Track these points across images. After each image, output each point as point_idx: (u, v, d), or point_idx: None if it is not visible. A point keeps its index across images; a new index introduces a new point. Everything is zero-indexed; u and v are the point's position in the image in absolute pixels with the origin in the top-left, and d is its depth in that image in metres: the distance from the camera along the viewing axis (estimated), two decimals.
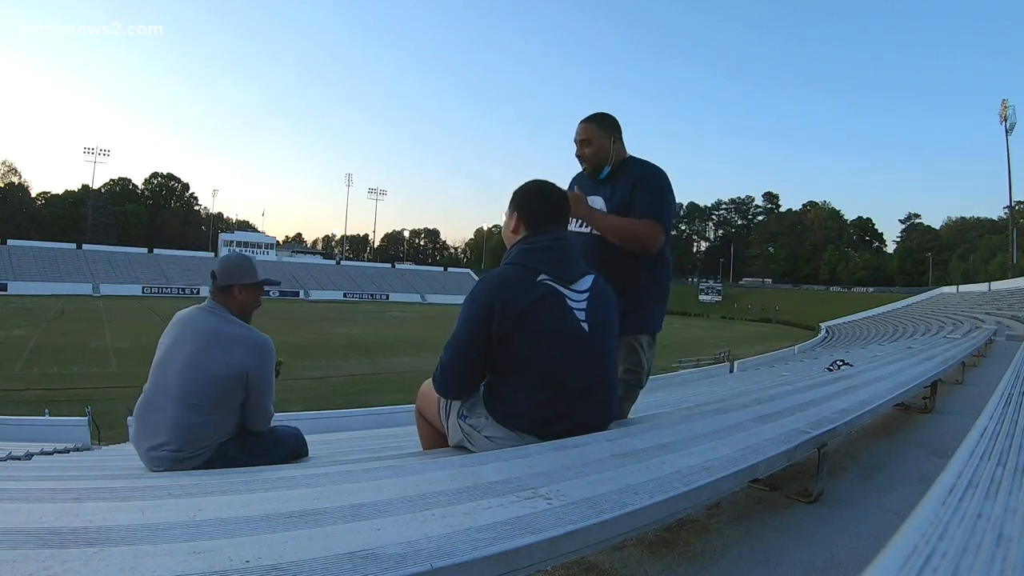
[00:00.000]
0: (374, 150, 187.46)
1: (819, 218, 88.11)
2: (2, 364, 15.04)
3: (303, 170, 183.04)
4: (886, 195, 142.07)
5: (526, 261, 1.48)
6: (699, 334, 34.73)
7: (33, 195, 73.98)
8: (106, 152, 71.05)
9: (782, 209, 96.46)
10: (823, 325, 37.29)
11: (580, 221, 2.04)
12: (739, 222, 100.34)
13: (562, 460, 1.08)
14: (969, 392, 3.61)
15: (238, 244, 65.23)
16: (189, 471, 1.79)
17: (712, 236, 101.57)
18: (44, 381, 13.48)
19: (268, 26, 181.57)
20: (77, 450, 3.96)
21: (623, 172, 2.00)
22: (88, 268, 48.30)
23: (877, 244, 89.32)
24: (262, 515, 0.74)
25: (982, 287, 32.79)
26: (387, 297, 59.43)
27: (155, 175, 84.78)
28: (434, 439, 1.74)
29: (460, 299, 1.65)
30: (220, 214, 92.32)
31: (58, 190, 76.50)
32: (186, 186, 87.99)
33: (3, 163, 70.65)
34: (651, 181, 1.95)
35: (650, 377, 2.11)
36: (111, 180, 79.20)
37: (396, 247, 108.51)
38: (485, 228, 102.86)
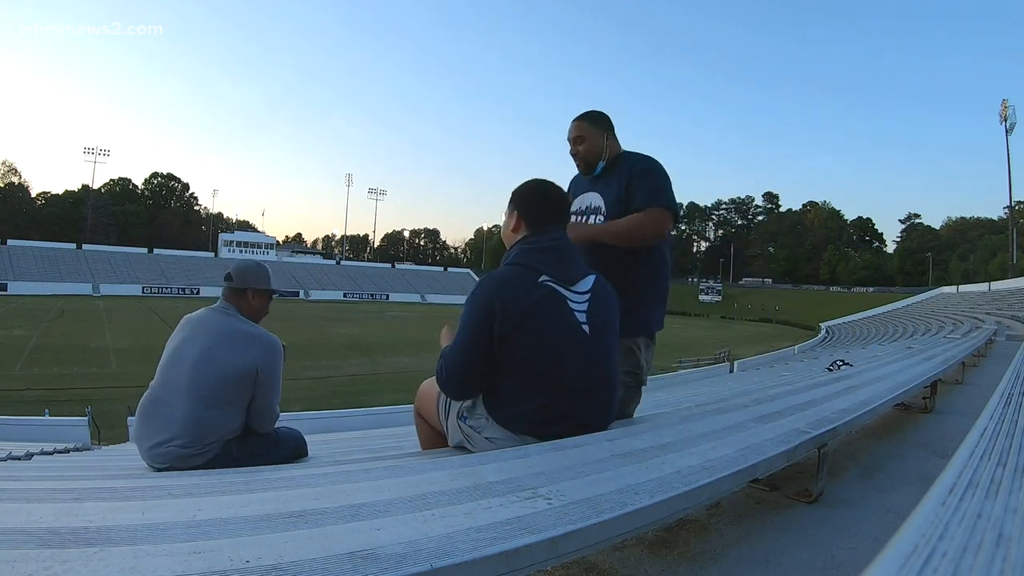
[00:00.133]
0: (374, 150, 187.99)
1: (819, 218, 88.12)
2: (2, 364, 15.04)
3: (303, 170, 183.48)
4: (886, 195, 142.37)
5: (527, 261, 1.47)
6: (699, 334, 34.74)
7: (33, 195, 74.05)
8: (106, 152, 71.13)
9: (782, 209, 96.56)
10: (823, 325, 37.30)
11: (582, 219, 2.06)
12: (739, 222, 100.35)
13: (562, 460, 1.08)
14: (969, 392, 3.61)
15: (238, 244, 65.23)
16: (189, 471, 1.79)
17: (712, 236, 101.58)
18: (44, 381, 13.48)
19: (268, 26, 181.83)
20: (77, 450, 3.95)
21: (617, 166, 2.01)
22: (88, 268, 48.29)
23: (877, 244, 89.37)
24: (262, 515, 0.74)
25: (982, 287, 32.80)
26: (387, 297, 59.43)
27: (155, 175, 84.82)
28: (433, 439, 1.74)
29: (460, 299, 1.65)
30: (220, 214, 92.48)
31: (58, 190, 76.70)
32: (186, 186, 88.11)
33: (3, 163, 70.81)
34: (647, 169, 1.96)
35: (650, 377, 2.11)
36: (111, 180, 79.34)
37: (396, 247, 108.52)
38: (485, 228, 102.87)
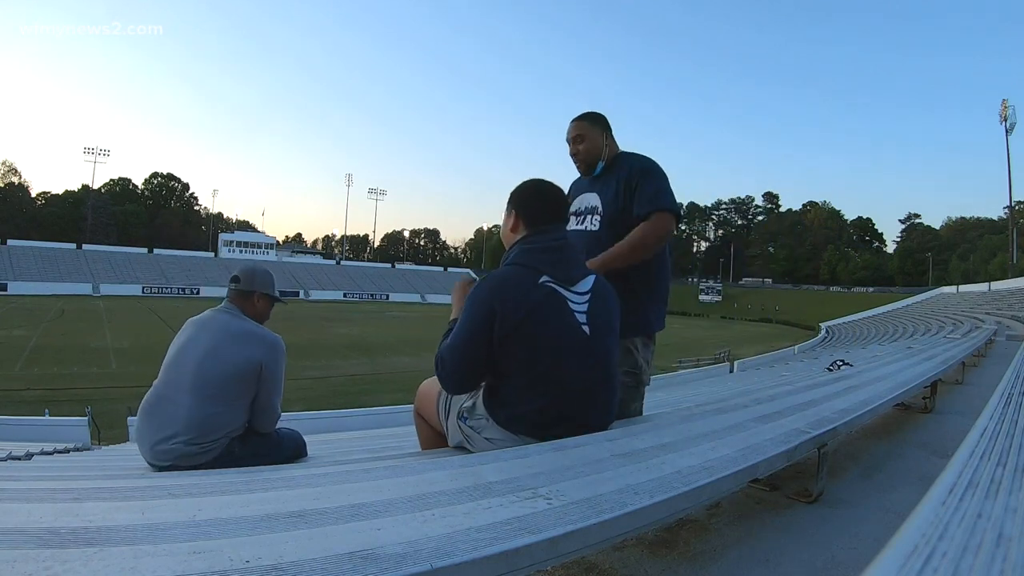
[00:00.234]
0: (374, 150, 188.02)
1: (819, 218, 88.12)
2: (2, 364, 15.04)
3: (303, 170, 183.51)
4: (886, 195, 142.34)
5: (527, 262, 1.47)
6: (699, 334, 34.74)
7: (33, 195, 73.99)
8: (106, 152, 71.05)
9: (782, 209, 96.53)
10: (823, 325, 37.30)
11: (580, 220, 2.07)
12: (739, 222, 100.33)
13: (562, 460, 1.08)
14: (969, 392, 3.61)
15: (238, 244, 65.24)
16: (189, 471, 1.80)
17: (712, 236, 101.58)
18: (44, 381, 13.48)
19: (268, 26, 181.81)
20: (77, 450, 3.95)
21: (615, 167, 2.04)
22: (88, 268, 48.29)
23: (877, 244, 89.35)
24: (262, 515, 0.74)
25: (982, 287, 32.80)
26: (387, 297, 59.43)
27: (155, 175, 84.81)
28: (433, 439, 1.74)
29: None
30: (220, 214, 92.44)
31: (58, 190, 76.62)
32: (186, 186, 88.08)
33: (3, 163, 70.77)
34: (646, 170, 1.97)
35: (650, 377, 2.11)
36: (111, 180, 79.32)
37: (396, 247, 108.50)
38: (485, 228, 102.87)
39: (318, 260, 76.02)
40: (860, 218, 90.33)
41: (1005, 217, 55.74)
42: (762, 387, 4.36)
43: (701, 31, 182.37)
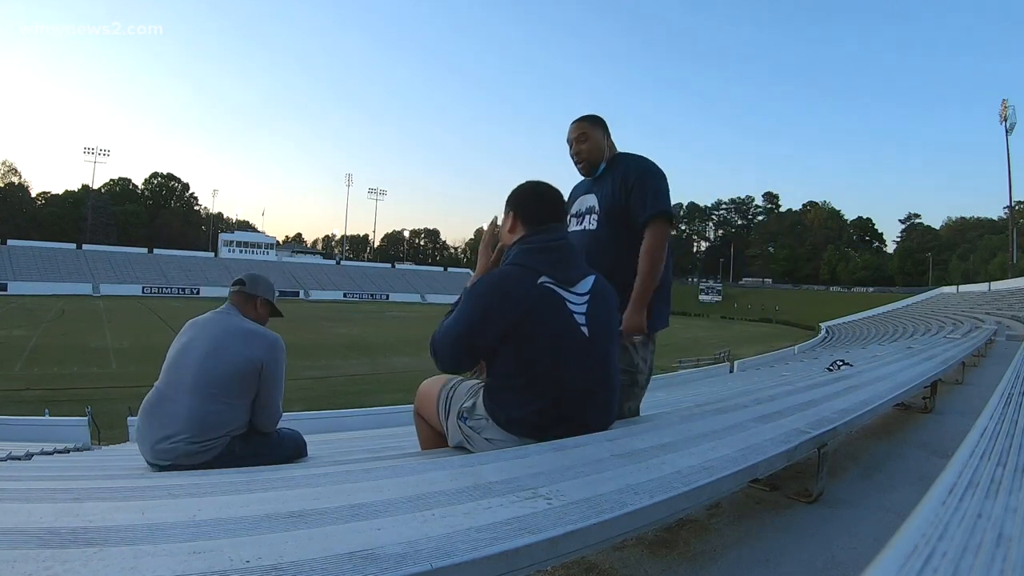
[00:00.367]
0: (374, 150, 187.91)
1: (819, 218, 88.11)
2: (2, 364, 15.04)
3: (303, 170, 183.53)
4: (886, 195, 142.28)
5: (526, 262, 1.47)
6: (699, 334, 34.73)
7: (33, 195, 73.99)
8: (106, 152, 71.07)
9: (782, 209, 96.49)
10: (823, 325, 37.26)
11: (579, 221, 2.11)
12: (739, 222, 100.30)
13: (562, 460, 1.08)
14: (969, 392, 3.61)
15: (238, 244, 65.25)
16: (189, 471, 1.80)
17: (712, 236, 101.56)
18: (44, 381, 13.47)
19: (268, 26, 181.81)
20: (77, 450, 3.95)
21: (613, 167, 2.08)
22: (88, 268, 48.31)
23: (877, 244, 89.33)
24: (262, 515, 0.74)
25: (982, 287, 32.78)
26: (387, 297, 59.45)
27: (155, 175, 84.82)
28: (433, 439, 1.74)
29: None
30: (220, 214, 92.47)
31: (58, 190, 76.65)
32: (186, 186, 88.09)
33: (3, 163, 70.78)
34: (645, 171, 2.01)
35: (650, 379, 2.12)
36: (111, 180, 79.35)
37: (396, 247, 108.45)
38: (485, 228, 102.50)
39: (318, 260, 76.06)
40: (860, 218, 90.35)
41: (1005, 217, 55.76)
42: (762, 387, 4.36)
43: (701, 31, 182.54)
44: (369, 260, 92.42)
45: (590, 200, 2.09)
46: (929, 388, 2.83)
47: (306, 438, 2.36)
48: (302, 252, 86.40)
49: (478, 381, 1.62)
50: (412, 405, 1.84)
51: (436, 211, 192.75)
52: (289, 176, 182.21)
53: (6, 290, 39.44)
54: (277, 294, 2.34)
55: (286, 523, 0.71)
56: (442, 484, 0.91)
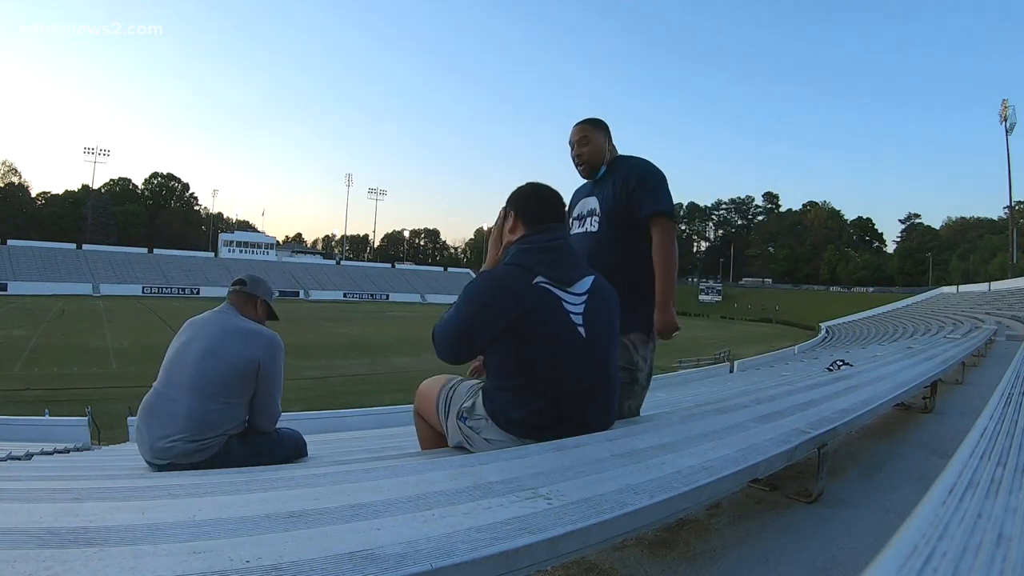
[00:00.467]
0: (374, 150, 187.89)
1: (819, 218, 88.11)
2: (2, 364, 15.04)
3: (303, 170, 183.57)
4: (886, 195, 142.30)
5: (523, 262, 1.48)
6: (699, 334, 34.70)
7: (33, 195, 73.97)
8: (106, 152, 71.05)
9: (782, 209, 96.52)
10: (823, 325, 37.26)
11: (581, 223, 2.14)
12: (739, 222, 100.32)
13: (562, 460, 1.08)
14: (969, 392, 3.61)
15: (238, 244, 65.24)
16: (189, 471, 1.80)
17: (712, 236, 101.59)
18: (44, 381, 13.47)
19: (268, 26, 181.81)
20: (77, 450, 3.96)
21: (613, 170, 2.12)
22: (88, 268, 48.31)
23: (877, 244, 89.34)
24: (262, 515, 0.74)
25: (982, 287, 32.77)
26: (387, 297, 59.45)
27: (155, 175, 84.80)
28: (432, 439, 1.74)
29: None
30: (220, 214, 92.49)
31: (58, 190, 76.64)
32: (186, 186, 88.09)
33: (3, 163, 70.79)
34: (646, 173, 2.05)
35: (650, 380, 2.12)
36: (111, 180, 79.34)
37: (396, 247, 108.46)
38: (485, 228, 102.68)
39: (318, 260, 76.06)
40: (860, 218, 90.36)
41: (1005, 217, 55.74)
42: (762, 387, 4.36)
43: (701, 31, 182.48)
44: (369, 260, 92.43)
45: (591, 203, 2.12)
46: (929, 388, 2.83)
47: (306, 438, 2.36)
48: (302, 252, 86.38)
49: (478, 381, 1.63)
50: (412, 405, 1.84)
51: (436, 211, 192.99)
52: (289, 176, 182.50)
53: (6, 290, 39.44)
54: (276, 294, 2.36)
55: (286, 523, 0.71)
56: (442, 484, 0.91)
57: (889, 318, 32.08)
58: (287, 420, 2.42)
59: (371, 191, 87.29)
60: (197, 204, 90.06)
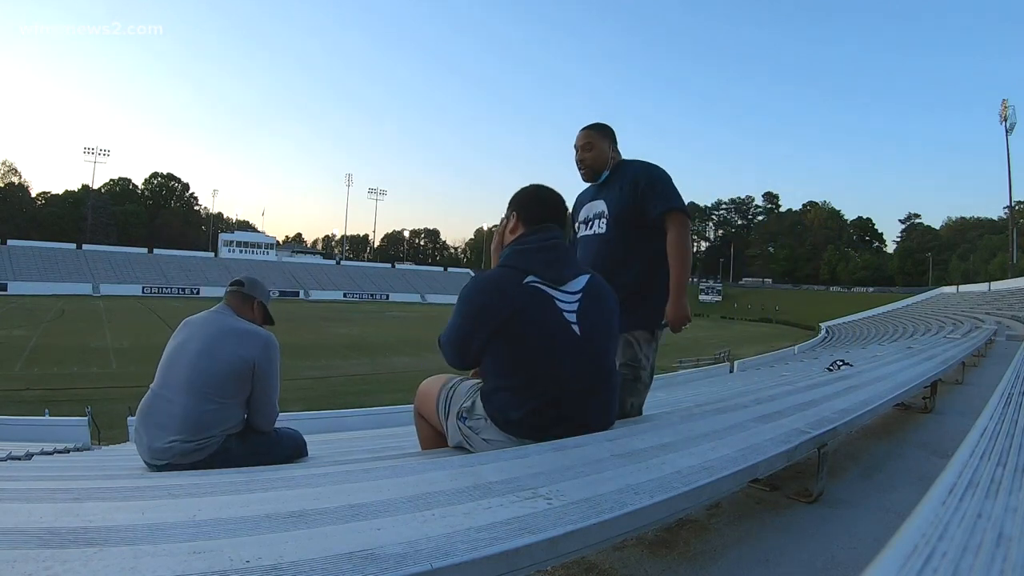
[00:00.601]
0: (374, 150, 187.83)
1: (819, 218, 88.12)
2: (2, 364, 15.04)
3: (303, 170, 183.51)
4: (886, 195, 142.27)
5: (515, 263, 1.50)
6: (699, 334, 34.69)
7: (33, 195, 73.99)
8: (106, 152, 71.03)
9: (782, 209, 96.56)
10: (823, 325, 37.27)
11: (589, 226, 2.20)
12: (739, 222, 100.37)
13: (562, 460, 1.08)
14: (969, 392, 3.61)
15: (238, 244, 65.22)
16: (189, 471, 1.80)
17: (712, 236, 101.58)
18: (44, 381, 13.48)
19: (268, 26, 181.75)
20: (77, 450, 3.95)
21: (619, 173, 2.16)
22: (88, 268, 48.30)
23: (877, 244, 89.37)
24: (262, 515, 0.74)
25: (982, 287, 32.76)
26: (387, 297, 59.44)
27: (155, 175, 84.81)
28: (433, 439, 1.74)
29: None
30: (220, 214, 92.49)
31: (58, 190, 76.64)
32: (186, 186, 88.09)
33: (3, 163, 70.79)
34: (655, 176, 2.10)
35: (652, 380, 2.14)
36: (111, 180, 79.33)
37: (396, 247, 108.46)
38: (485, 228, 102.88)
39: (318, 260, 76.04)
40: (860, 218, 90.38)
41: (1005, 217, 55.73)
42: (762, 387, 4.36)
43: (701, 31, 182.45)
44: (369, 260, 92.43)
45: (598, 206, 2.16)
46: (929, 388, 2.83)
47: (306, 438, 2.36)
48: (302, 252, 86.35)
49: (478, 381, 1.63)
50: (412, 405, 1.84)
51: (436, 211, 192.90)
52: (289, 176, 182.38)
53: (6, 290, 39.43)
54: (276, 294, 2.37)
55: (286, 523, 0.71)
56: (442, 484, 0.91)
57: (889, 318, 32.08)
58: (287, 420, 2.42)
59: (371, 191, 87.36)
60: (197, 204, 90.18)
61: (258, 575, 0.56)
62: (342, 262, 74.57)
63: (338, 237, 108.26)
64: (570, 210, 1.92)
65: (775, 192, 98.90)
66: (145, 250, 56.67)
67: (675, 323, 2.02)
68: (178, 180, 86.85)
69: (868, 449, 2.12)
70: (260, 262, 60.36)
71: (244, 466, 1.80)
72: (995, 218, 68.71)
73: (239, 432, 2.05)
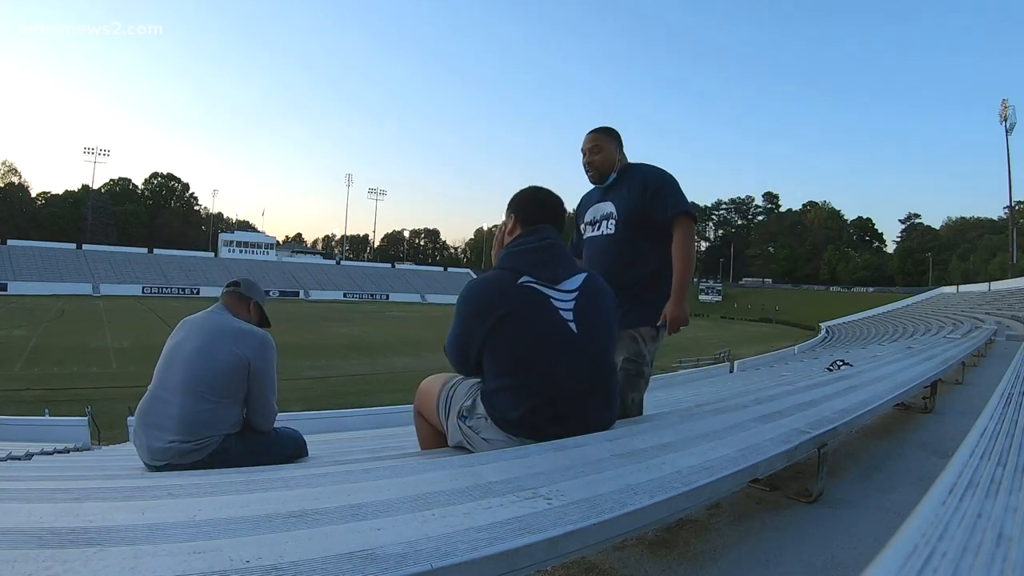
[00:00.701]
0: (374, 150, 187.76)
1: (819, 218, 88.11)
2: (2, 364, 15.04)
3: (303, 170, 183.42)
4: (886, 195, 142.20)
5: (509, 264, 1.52)
6: (699, 334, 34.68)
7: (33, 195, 73.96)
8: (106, 152, 71.04)
9: (782, 209, 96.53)
10: (823, 325, 37.29)
11: (596, 227, 2.25)
12: (739, 222, 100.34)
13: (562, 460, 1.08)
14: (969, 392, 3.61)
15: (238, 244, 65.19)
16: (189, 471, 1.80)
17: (712, 236, 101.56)
18: (44, 381, 13.48)
19: (268, 25, 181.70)
20: (77, 450, 3.96)
21: (627, 176, 2.21)
22: (88, 268, 48.30)
23: (877, 244, 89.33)
24: (262, 515, 0.74)
25: (982, 287, 32.77)
26: (387, 297, 59.44)
27: (155, 175, 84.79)
28: (432, 439, 1.74)
29: None
30: (220, 214, 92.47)
31: (58, 190, 76.62)
32: (186, 186, 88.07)
33: (3, 163, 70.78)
34: (663, 180, 2.15)
35: (650, 377, 2.15)
36: (111, 180, 79.30)
37: (396, 247, 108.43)
38: (485, 228, 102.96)
39: (318, 260, 76.02)
40: (860, 218, 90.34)
41: (1005, 217, 55.73)
42: (762, 387, 4.36)
43: (701, 31, 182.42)
44: (369, 260, 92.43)
45: (607, 207, 2.21)
46: (929, 388, 2.83)
47: (306, 438, 2.36)
48: (302, 252, 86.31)
49: (478, 381, 1.63)
50: (412, 405, 1.84)
51: (436, 211, 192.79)
52: (289, 176, 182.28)
53: (6, 290, 39.44)
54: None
55: (286, 523, 0.71)
56: (442, 484, 0.91)
57: (889, 318, 32.08)
58: (287, 420, 2.42)
59: (371, 191, 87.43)
60: (197, 204, 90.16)
61: (258, 575, 0.56)
62: (342, 262, 74.57)
63: (338, 237, 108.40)
64: (569, 212, 1.94)
65: (775, 192, 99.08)
66: (145, 250, 56.66)
67: (673, 323, 2.06)
68: (178, 180, 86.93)
69: (868, 449, 2.12)
70: (260, 262, 60.36)
71: (244, 466, 1.80)
72: (995, 218, 68.83)
73: (238, 432, 2.05)
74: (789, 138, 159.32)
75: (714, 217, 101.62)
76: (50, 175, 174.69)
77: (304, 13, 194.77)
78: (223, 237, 67.04)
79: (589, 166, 2.22)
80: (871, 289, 67.83)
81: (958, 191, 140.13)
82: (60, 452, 3.62)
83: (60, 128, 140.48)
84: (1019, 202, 53.35)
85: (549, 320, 1.43)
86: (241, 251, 64.09)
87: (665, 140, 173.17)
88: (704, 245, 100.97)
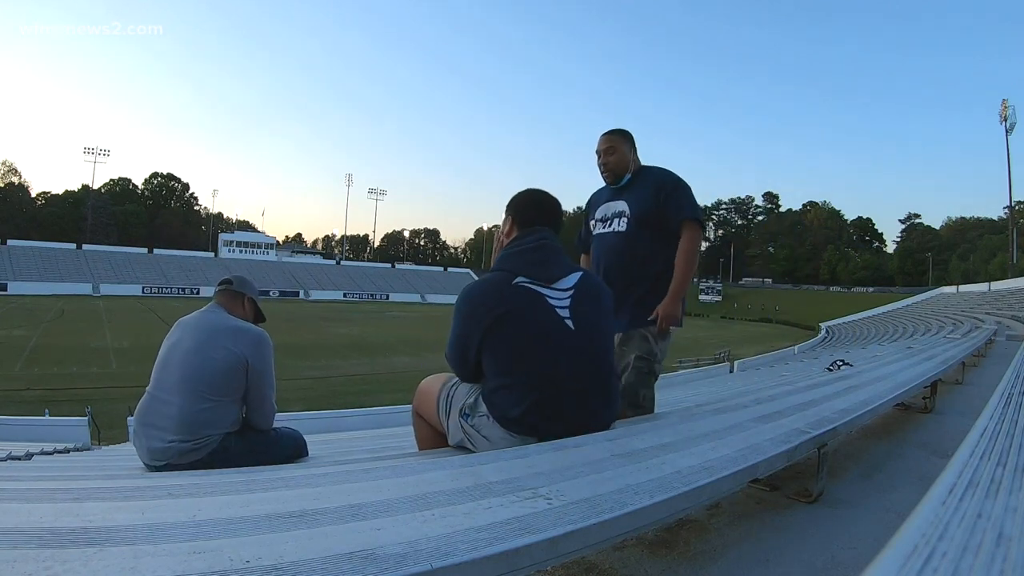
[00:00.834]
0: (374, 150, 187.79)
1: (819, 218, 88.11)
2: (2, 364, 15.05)
3: (303, 170, 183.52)
4: (886, 195, 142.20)
5: (505, 266, 1.53)
6: (699, 334, 34.68)
7: (33, 195, 73.99)
8: (106, 152, 71.08)
9: (782, 209, 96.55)
10: (823, 325, 37.29)
11: (607, 224, 2.30)
12: (739, 222, 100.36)
13: (562, 460, 1.08)
14: (969, 392, 3.61)
15: (238, 244, 65.19)
16: (189, 471, 1.80)
17: (712, 236, 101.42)
18: (44, 381, 13.48)
19: (268, 25, 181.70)
20: (77, 450, 3.96)
21: (641, 178, 2.27)
22: (88, 268, 48.31)
23: (877, 244, 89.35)
24: (262, 515, 0.74)
25: (982, 287, 32.77)
26: (387, 297, 59.44)
27: (155, 175, 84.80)
28: (431, 439, 1.74)
29: None
30: (220, 214, 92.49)
31: (58, 190, 76.66)
32: (186, 186, 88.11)
33: (3, 163, 70.79)
34: (676, 184, 2.22)
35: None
36: (111, 180, 79.33)
37: (396, 247, 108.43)
38: (485, 228, 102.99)
39: (318, 260, 76.03)
40: (860, 218, 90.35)
41: (1005, 217, 55.74)
42: (762, 387, 4.36)
43: (701, 31, 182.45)
44: (369, 260, 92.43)
45: (619, 206, 2.26)
46: (929, 388, 2.83)
47: (306, 438, 2.36)
48: (302, 252, 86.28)
49: None
50: (412, 405, 1.84)
51: (436, 211, 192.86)
52: (289, 176, 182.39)
53: (6, 290, 39.44)
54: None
55: (286, 523, 0.71)
56: (442, 484, 0.91)
57: (889, 318, 32.08)
58: (286, 420, 2.42)
59: (371, 191, 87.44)
60: (197, 204, 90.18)
61: (258, 575, 0.56)
62: (342, 262, 74.57)
63: (338, 237, 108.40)
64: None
65: (775, 192, 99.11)
66: (145, 250, 56.68)
67: (663, 321, 2.10)
68: (178, 180, 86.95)
69: (868, 449, 2.12)
70: (260, 262, 60.37)
71: (243, 465, 1.80)
72: (995, 218, 68.85)
73: (237, 431, 2.04)
74: (789, 138, 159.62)
75: (714, 217, 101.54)
76: (50, 175, 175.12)
77: (304, 13, 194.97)
78: (223, 237, 67.03)
79: (604, 167, 2.27)
80: (871, 289, 67.83)
81: (958, 191, 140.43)
82: (60, 452, 3.62)
83: (60, 128, 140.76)
84: (1019, 202, 53.41)
85: (546, 318, 1.44)
86: (241, 251, 64.08)
87: (665, 140, 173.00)
88: (704, 245, 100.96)
